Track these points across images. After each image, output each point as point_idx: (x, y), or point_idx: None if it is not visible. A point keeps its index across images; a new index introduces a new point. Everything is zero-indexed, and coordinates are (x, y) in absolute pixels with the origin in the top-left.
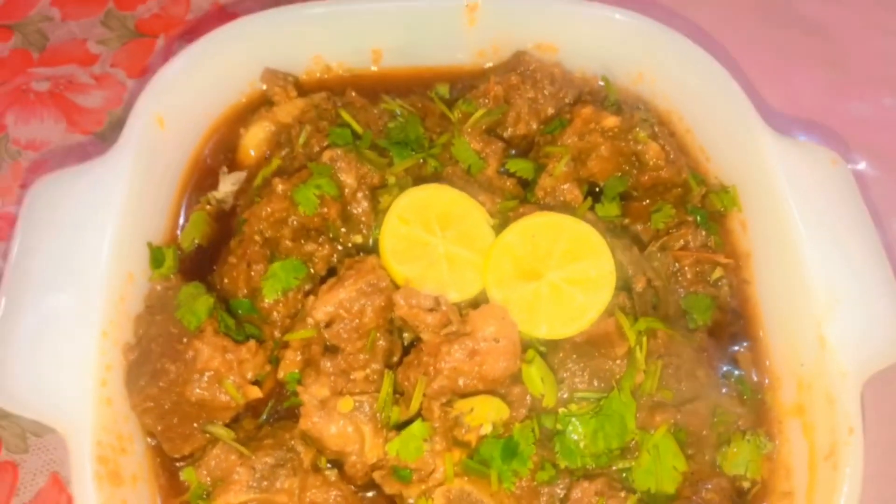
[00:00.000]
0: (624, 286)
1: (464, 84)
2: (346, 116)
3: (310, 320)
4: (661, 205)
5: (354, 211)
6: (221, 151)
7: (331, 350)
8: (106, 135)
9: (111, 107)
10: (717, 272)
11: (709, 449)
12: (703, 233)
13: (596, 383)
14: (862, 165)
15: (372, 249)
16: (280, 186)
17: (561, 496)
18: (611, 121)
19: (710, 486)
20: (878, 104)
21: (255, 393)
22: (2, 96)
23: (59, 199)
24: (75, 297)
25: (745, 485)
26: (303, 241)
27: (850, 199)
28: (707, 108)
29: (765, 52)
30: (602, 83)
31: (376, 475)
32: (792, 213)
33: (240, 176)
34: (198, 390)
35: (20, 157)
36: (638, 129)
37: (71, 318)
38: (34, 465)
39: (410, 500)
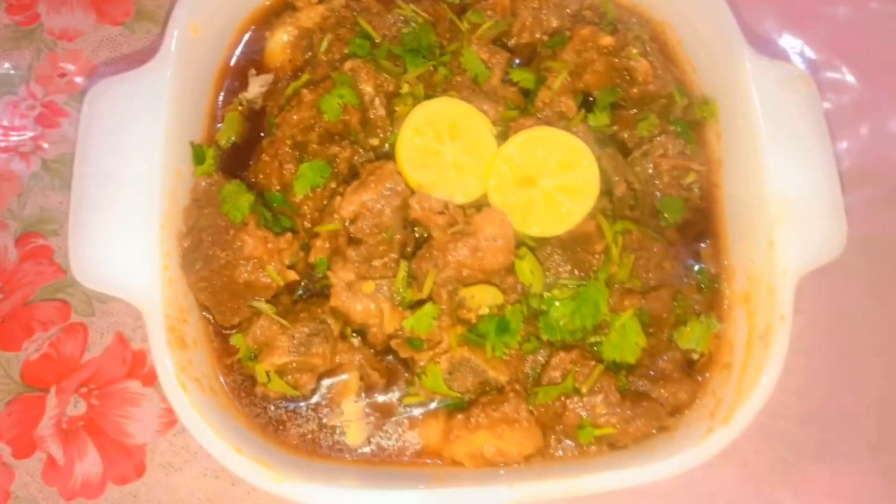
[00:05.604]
0: (606, 190)
1: None
2: (364, 25)
3: (337, 216)
4: (647, 114)
5: (372, 116)
6: (249, 54)
7: (354, 241)
8: (133, 26)
9: None
10: (691, 177)
11: (667, 328)
12: (682, 141)
13: (576, 273)
14: (842, 72)
15: (387, 151)
16: (308, 97)
17: (542, 363)
18: (607, 40)
19: (665, 358)
20: (864, 7)
21: (293, 276)
22: None
23: (114, 103)
24: (137, 192)
25: (695, 357)
26: (327, 145)
27: (814, 117)
28: (696, 22)
29: None
30: None
31: (393, 343)
32: (759, 128)
33: (267, 78)
34: (245, 274)
35: (56, 47)
36: (631, 46)
37: (136, 212)
38: (101, 326)
39: (421, 363)
